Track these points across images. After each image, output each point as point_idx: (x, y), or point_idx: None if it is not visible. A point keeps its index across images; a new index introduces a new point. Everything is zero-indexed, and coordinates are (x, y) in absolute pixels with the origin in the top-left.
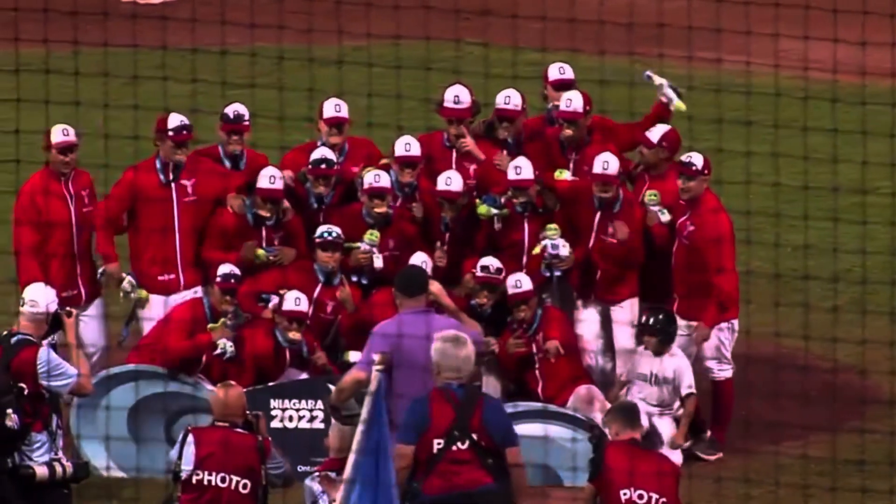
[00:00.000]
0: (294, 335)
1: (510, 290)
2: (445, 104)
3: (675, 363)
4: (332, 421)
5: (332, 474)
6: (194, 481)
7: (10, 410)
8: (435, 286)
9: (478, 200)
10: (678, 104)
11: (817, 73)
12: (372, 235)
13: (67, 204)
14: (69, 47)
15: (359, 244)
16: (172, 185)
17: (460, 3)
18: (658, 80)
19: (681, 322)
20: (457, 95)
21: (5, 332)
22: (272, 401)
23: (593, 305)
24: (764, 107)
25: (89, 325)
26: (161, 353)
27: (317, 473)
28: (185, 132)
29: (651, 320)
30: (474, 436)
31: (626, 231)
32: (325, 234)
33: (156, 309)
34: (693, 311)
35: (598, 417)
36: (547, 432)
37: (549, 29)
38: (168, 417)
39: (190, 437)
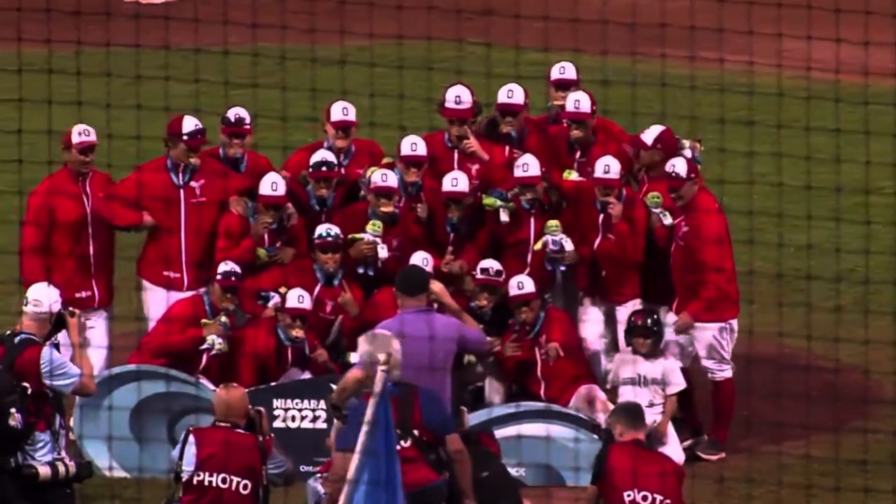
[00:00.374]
0: (297, 333)
1: (512, 292)
2: (447, 105)
3: (664, 364)
4: (334, 421)
5: None
6: (195, 482)
7: (13, 410)
8: (436, 285)
9: (484, 195)
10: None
11: (820, 73)
12: (375, 226)
13: (84, 205)
14: (72, 47)
15: (362, 235)
16: (183, 187)
17: (462, 3)
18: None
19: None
20: (458, 96)
21: (8, 332)
22: (275, 400)
23: (598, 305)
24: (766, 107)
25: (97, 328)
26: (152, 348)
27: (319, 474)
28: (199, 136)
29: (644, 322)
30: (416, 432)
31: (619, 208)
32: (325, 235)
33: (158, 307)
34: None
35: (600, 418)
36: (549, 432)
37: (552, 29)
38: (170, 417)
39: (191, 438)
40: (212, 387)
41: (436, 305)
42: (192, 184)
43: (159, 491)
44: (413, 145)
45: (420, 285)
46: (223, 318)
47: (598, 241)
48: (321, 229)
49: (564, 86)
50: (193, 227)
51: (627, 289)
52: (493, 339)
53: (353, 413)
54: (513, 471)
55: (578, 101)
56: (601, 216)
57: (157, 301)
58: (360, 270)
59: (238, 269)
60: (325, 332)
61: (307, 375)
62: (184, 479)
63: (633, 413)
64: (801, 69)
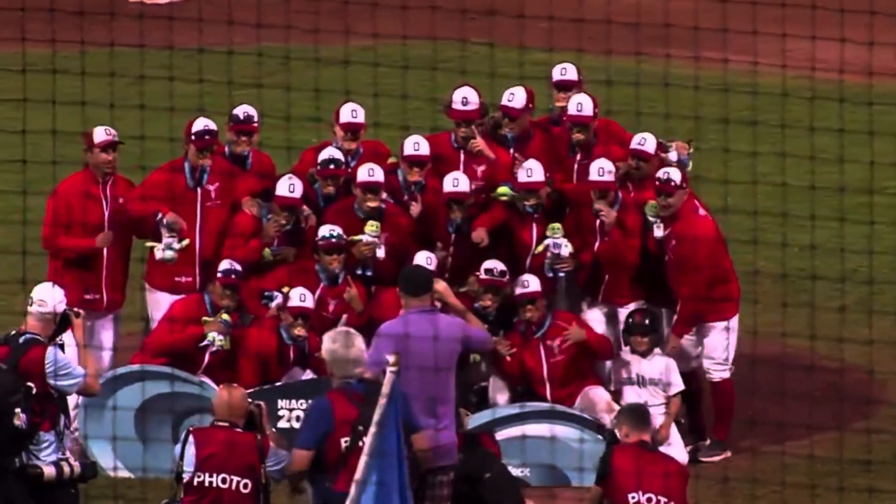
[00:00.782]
0: (299, 331)
1: (518, 290)
2: (454, 106)
3: (662, 363)
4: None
5: None
6: (195, 483)
7: (18, 410)
8: (440, 285)
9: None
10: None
11: (824, 73)
12: (373, 227)
13: (103, 208)
14: (76, 47)
15: (361, 237)
16: (199, 189)
17: (467, 3)
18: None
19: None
20: (465, 97)
21: (13, 332)
22: (279, 401)
23: (599, 307)
24: (770, 107)
25: (104, 330)
26: (154, 348)
27: None
28: (207, 137)
29: (642, 321)
30: None
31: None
32: (328, 236)
33: (161, 308)
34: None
35: (605, 419)
36: (554, 432)
37: (556, 29)
38: (174, 418)
39: (191, 438)
40: (215, 387)
41: (439, 305)
42: (209, 186)
43: (163, 491)
44: (416, 145)
45: (424, 285)
46: (224, 316)
47: (597, 244)
48: (324, 230)
49: (566, 87)
50: (208, 229)
51: (628, 291)
52: (497, 339)
53: (312, 411)
54: (517, 471)
55: (581, 104)
56: (598, 220)
57: (160, 302)
58: (359, 272)
59: (238, 268)
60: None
61: (309, 375)
62: (185, 480)
63: (638, 414)
64: (805, 69)
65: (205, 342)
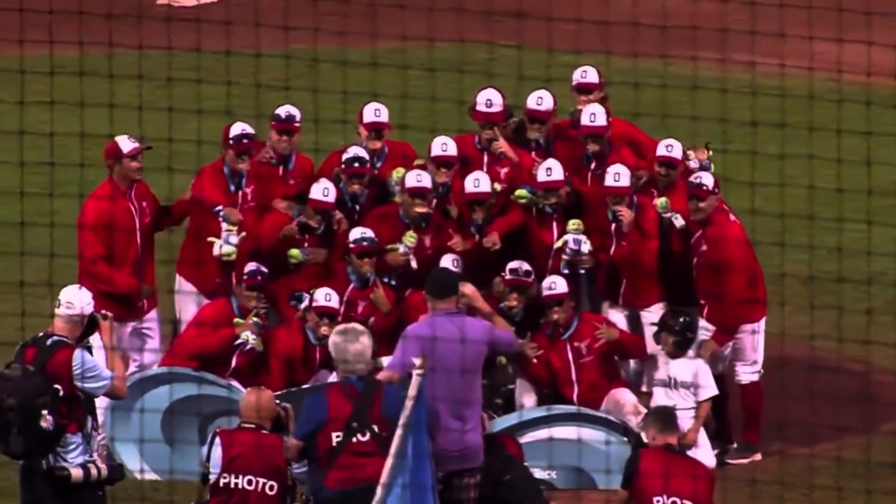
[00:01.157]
0: (325, 331)
1: (545, 292)
2: (478, 108)
3: (693, 366)
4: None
5: None
6: (221, 485)
7: (45, 412)
8: (468, 288)
9: (516, 193)
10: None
11: (851, 75)
12: (411, 238)
13: (133, 214)
14: (104, 50)
15: (398, 246)
16: (239, 193)
17: (494, 5)
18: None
19: (712, 328)
20: (489, 99)
21: (41, 334)
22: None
23: (620, 309)
24: (798, 109)
25: (153, 332)
26: (185, 351)
27: None
28: (244, 141)
29: (672, 319)
30: (375, 427)
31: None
32: (361, 240)
33: (190, 310)
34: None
35: (632, 421)
36: (580, 435)
37: (583, 31)
38: (202, 420)
39: (217, 440)
40: (243, 389)
41: (465, 308)
42: (245, 189)
43: (190, 494)
44: (443, 146)
45: (450, 288)
46: (255, 318)
47: (613, 247)
48: (356, 233)
49: (587, 89)
50: (254, 238)
51: (649, 293)
52: (524, 341)
53: (308, 403)
54: (543, 473)
55: (594, 115)
56: (613, 224)
57: (189, 304)
58: (385, 280)
59: (264, 269)
60: None
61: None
62: (211, 482)
63: (665, 417)
64: (832, 72)
65: (239, 341)
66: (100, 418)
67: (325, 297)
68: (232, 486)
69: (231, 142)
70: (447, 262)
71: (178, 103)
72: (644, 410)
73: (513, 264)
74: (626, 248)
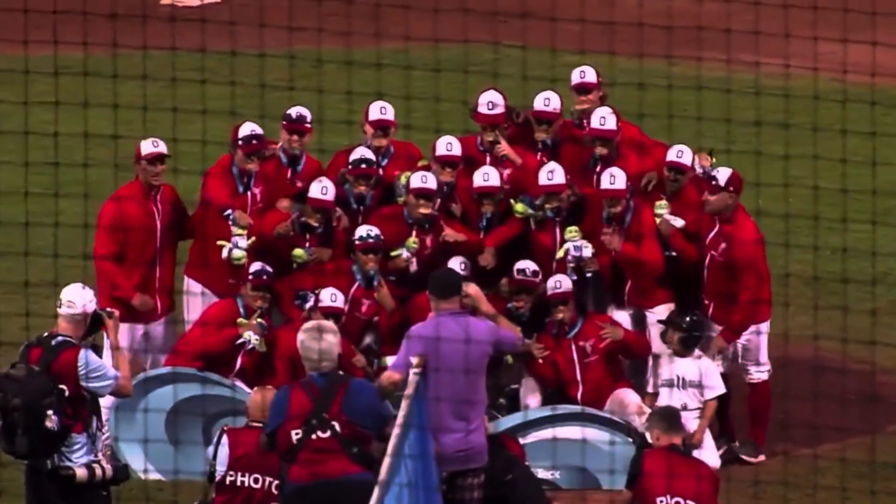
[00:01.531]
0: None
1: (549, 290)
2: (479, 110)
3: (700, 366)
4: None
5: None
6: (227, 482)
7: (50, 412)
8: (472, 288)
9: (512, 200)
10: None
11: (856, 75)
12: (413, 244)
13: (154, 216)
14: (108, 50)
15: (400, 251)
16: (248, 194)
17: (499, 5)
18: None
19: (718, 327)
20: (490, 101)
21: (46, 334)
22: None
23: (626, 309)
24: (802, 110)
25: (160, 335)
26: (189, 351)
27: None
28: (254, 142)
29: (679, 317)
30: (335, 425)
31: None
32: (366, 237)
33: (197, 310)
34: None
35: (635, 421)
36: (584, 435)
37: (588, 31)
38: (206, 420)
39: (224, 439)
40: (248, 389)
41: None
42: (254, 190)
43: (194, 494)
44: (448, 145)
45: (453, 288)
46: (259, 319)
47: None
48: (362, 231)
49: (585, 89)
50: (256, 234)
51: (654, 294)
52: (530, 342)
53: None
54: (547, 474)
55: (604, 118)
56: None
57: (197, 305)
58: (390, 278)
59: (269, 269)
60: (361, 333)
61: None
62: (217, 480)
63: (670, 418)
64: (837, 72)
65: (241, 340)
66: (104, 418)
67: (330, 297)
68: (238, 483)
69: (240, 142)
70: (455, 264)
71: (182, 104)
72: (648, 411)
73: (520, 264)
74: (629, 249)
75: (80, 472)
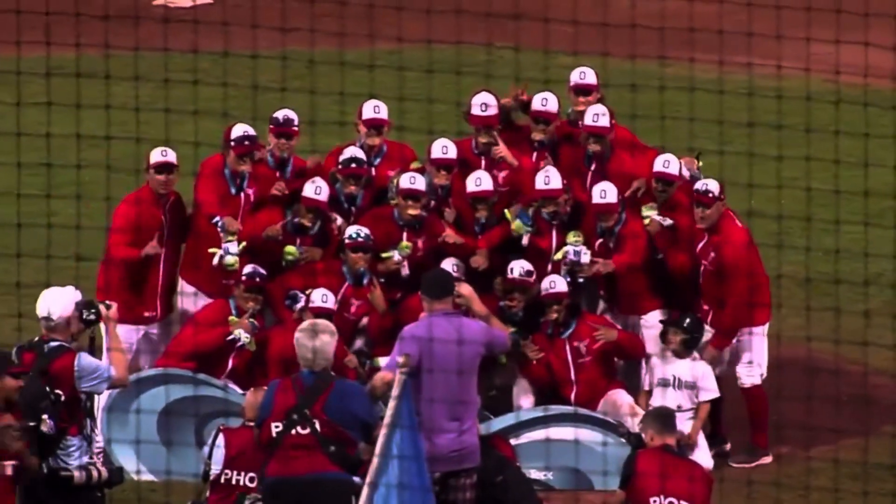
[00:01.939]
0: None
1: (544, 291)
2: (473, 111)
3: (697, 368)
4: None
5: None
6: (223, 481)
7: (45, 416)
8: (465, 288)
9: (507, 212)
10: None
11: (849, 76)
12: (406, 248)
13: (161, 222)
14: (100, 51)
15: (392, 254)
16: (241, 195)
17: (492, 6)
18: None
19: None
20: (484, 103)
21: (37, 339)
22: None
23: (619, 315)
24: (795, 111)
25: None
26: (181, 352)
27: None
28: (246, 143)
29: (681, 320)
30: (316, 423)
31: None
32: (355, 237)
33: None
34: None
35: (628, 422)
36: (577, 436)
37: (581, 33)
38: (198, 421)
39: (220, 439)
40: (239, 390)
41: (462, 308)
42: (248, 191)
43: (187, 495)
44: (444, 148)
45: (445, 289)
46: (250, 319)
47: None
48: (351, 230)
49: (585, 90)
50: (246, 236)
51: (647, 301)
52: (525, 343)
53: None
54: (540, 474)
55: (598, 115)
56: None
57: (190, 306)
58: (382, 280)
59: (262, 271)
60: (350, 334)
61: None
62: (211, 478)
63: (664, 418)
64: (829, 73)
65: (231, 337)
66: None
67: (321, 298)
68: (233, 482)
69: (233, 143)
70: (448, 265)
71: (174, 104)
72: (641, 411)
73: (514, 264)
74: (624, 258)
75: (77, 475)
